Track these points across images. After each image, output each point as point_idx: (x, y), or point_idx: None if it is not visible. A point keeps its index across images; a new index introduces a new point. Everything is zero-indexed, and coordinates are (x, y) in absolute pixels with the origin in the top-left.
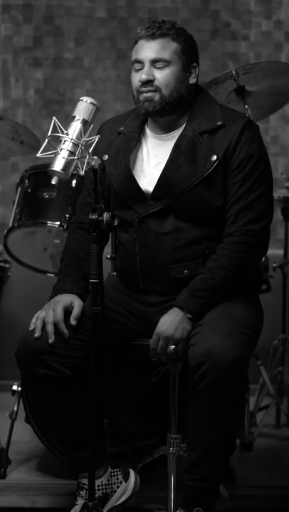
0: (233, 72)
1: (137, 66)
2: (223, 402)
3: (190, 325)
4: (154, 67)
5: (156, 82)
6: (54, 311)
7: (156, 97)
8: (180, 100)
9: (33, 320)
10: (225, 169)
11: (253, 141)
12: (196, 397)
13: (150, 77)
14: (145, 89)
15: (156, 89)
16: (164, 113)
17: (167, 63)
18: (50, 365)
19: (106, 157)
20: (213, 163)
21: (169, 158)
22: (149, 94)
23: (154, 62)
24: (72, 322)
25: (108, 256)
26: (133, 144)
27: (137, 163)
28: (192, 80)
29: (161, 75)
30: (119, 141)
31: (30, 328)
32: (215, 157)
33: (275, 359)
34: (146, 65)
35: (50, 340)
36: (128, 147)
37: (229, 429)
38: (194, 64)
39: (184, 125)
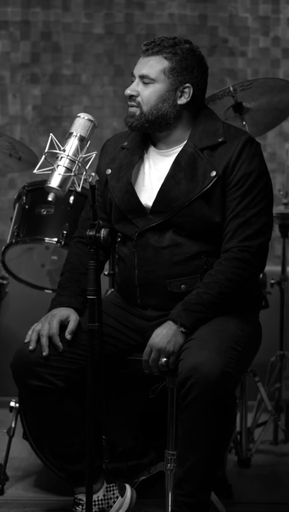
0: (231, 89)
1: (132, 79)
2: (209, 417)
3: (183, 338)
4: (143, 82)
5: (138, 98)
6: (50, 325)
7: (137, 112)
8: (163, 119)
9: (29, 332)
10: (224, 185)
11: (253, 158)
12: (184, 411)
13: (134, 92)
14: (130, 103)
15: (138, 105)
16: (144, 129)
17: (152, 81)
18: (43, 376)
19: (109, 171)
20: (212, 178)
21: (169, 173)
22: (132, 109)
23: (142, 78)
24: (67, 336)
25: (106, 272)
26: (136, 158)
27: (139, 178)
28: (182, 101)
29: (144, 92)
30: (122, 156)
31: (26, 340)
32: (214, 173)
33: (273, 375)
34: (136, 80)
35: (44, 353)
36: (131, 162)
37: (216, 445)
38: (187, 85)
39: (185, 141)
